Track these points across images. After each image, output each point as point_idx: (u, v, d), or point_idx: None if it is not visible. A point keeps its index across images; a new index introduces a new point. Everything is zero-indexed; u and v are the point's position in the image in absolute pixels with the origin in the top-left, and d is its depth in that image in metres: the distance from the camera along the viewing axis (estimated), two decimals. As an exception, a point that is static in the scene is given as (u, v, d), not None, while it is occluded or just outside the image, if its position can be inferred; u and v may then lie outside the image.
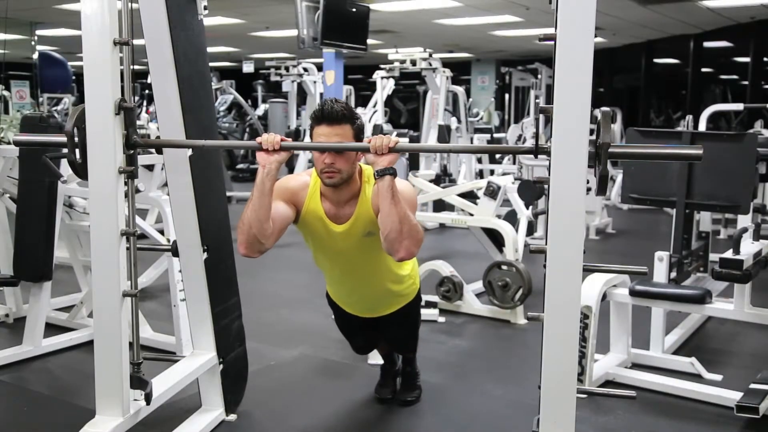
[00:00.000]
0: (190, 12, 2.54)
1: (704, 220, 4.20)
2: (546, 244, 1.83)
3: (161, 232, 3.89)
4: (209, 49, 2.71)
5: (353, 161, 2.39)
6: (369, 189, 2.45)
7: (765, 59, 13.08)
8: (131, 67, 2.19)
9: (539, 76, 10.86)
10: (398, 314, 2.84)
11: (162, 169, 4.10)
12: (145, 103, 11.44)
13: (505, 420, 2.95)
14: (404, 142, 4.51)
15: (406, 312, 2.86)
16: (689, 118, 4.23)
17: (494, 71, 16.96)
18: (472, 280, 4.59)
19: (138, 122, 2.60)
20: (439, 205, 5.98)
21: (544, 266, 1.84)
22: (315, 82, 8.88)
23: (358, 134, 2.37)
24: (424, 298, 3.20)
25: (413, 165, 7.11)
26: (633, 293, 3.28)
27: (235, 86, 13.66)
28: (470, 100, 13.43)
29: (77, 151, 2.14)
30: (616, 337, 3.45)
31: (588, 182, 2.12)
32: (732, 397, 2.91)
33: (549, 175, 1.79)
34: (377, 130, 7.66)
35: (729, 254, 2.99)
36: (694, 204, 3.54)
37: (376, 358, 3.47)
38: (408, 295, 2.83)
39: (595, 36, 1.74)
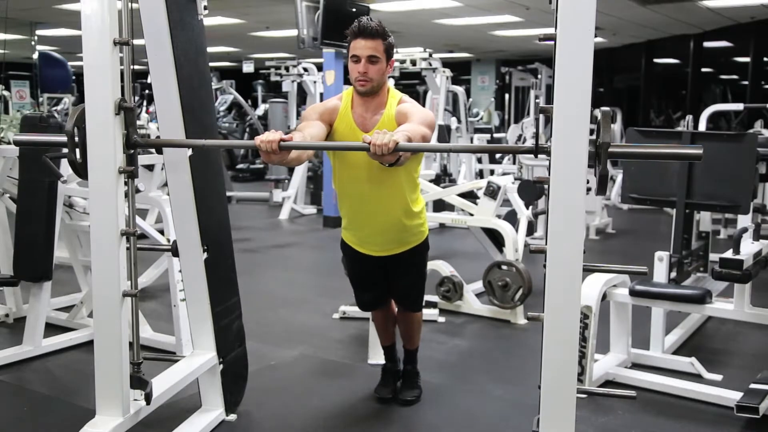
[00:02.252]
0: (190, 12, 2.54)
1: (704, 220, 4.20)
2: (546, 244, 1.83)
3: (161, 232, 3.89)
4: (209, 49, 2.71)
5: (383, 73, 2.63)
6: (393, 104, 2.69)
7: (765, 59, 13.08)
8: (131, 67, 2.19)
9: (539, 76, 10.87)
10: (407, 257, 2.88)
11: (162, 169, 4.10)
12: (145, 103, 11.44)
13: (505, 420, 2.95)
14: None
15: (414, 256, 2.90)
16: (689, 118, 4.23)
17: (494, 71, 16.96)
18: (472, 280, 4.59)
19: (138, 122, 2.60)
20: (439, 205, 5.98)
21: (544, 266, 1.84)
22: (315, 82, 8.88)
23: (389, 49, 2.63)
24: (424, 298, 3.20)
25: (413, 165, 7.09)
26: (633, 293, 3.28)
27: (235, 86, 13.67)
28: (470, 100, 13.45)
29: (77, 151, 2.15)
30: (616, 337, 3.45)
31: (588, 182, 2.12)
32: (732, 397, 2.91)
33: (549, 175, 1.79)
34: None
35: (729, 254, 2.99)
36: (694, 204, 3.54)
37: (376, 358, 3.47)
38: (418, 235, 2.88)
39: (595, 36, 1.74)
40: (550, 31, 1.78)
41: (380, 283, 2.98)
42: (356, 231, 2.89)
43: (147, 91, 11.21)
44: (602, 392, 2.52)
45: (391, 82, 7.84)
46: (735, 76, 16.69)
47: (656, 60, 14.98)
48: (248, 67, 11.53)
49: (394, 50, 2.70)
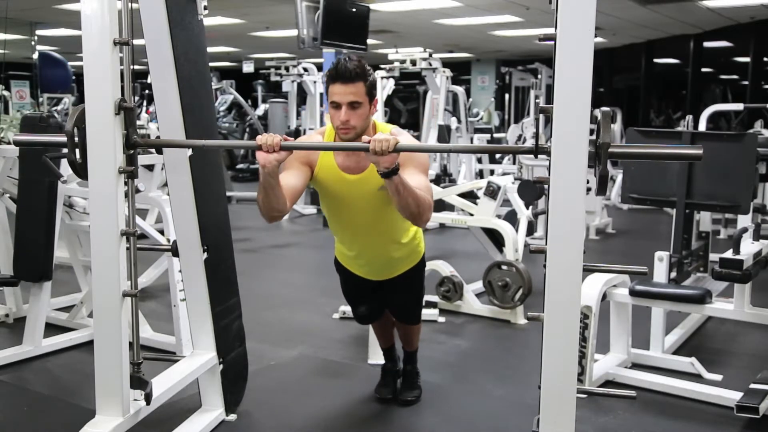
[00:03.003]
0: (190, 12, 2.54)
1: (704, 220, 4.19)
2: (546, 244, 1.83)
3: (161, 232, 3.89)
4: (209, 49, 2.71)
5: (366, 117, 2.47)
6: None
7: (765, 59, 13.08)
8: (131, 67, 2.19)
9: (539, 76, 10.86)
10: (403, 278, 2.85)
11: (162, 169, 4.10)
12: (145, 103, 11.44)
13: (505, 420, 2.95)
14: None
15: (410, 277, 2.87)
16: (689, 118, 4.23)
17: (494, 71, 16.96)
18: (472, 280, 4.59)
19: (138, 122, 2.60)
20: (439, 205, 5.97)
21: (544, 266, 1.84)
22: (315, 82, 8.87)
23: (371, 90, 2.47)
24: (425, 298, 3.20)
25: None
26: (633, 293, 3.28)
27: (235, 86, 13.67)
28: (470, 100, 13.43)
29: (77, 151, 2.14)
30: (616, 337, 3.45)
31: (588, 182, 2.12)
32: (732, 397, 2.91)
33: (549, 175, 1.79)
34: (377, 130, 7.64)
35: (729, 254, 2.99)
36: (694, 204, 3.54)
37: (376, 358, 3.47)
38: (413, 258, 2.85)
39: (595, 36, 1.74)
40: (550, 31, 1.78)
41: (375, 299, 2.96)
42: (347, 257, 2.87)
43: (147, 91, 11.21)
44: (602, 392, 2.52)
45: (391, 83, 7.89)
46: (735, 76, 16.70)
47: (656, 60, 14.98)
48: (248, 67, 11.53)
49: (377, 88, 2.54)
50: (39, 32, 12.73)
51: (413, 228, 2.79)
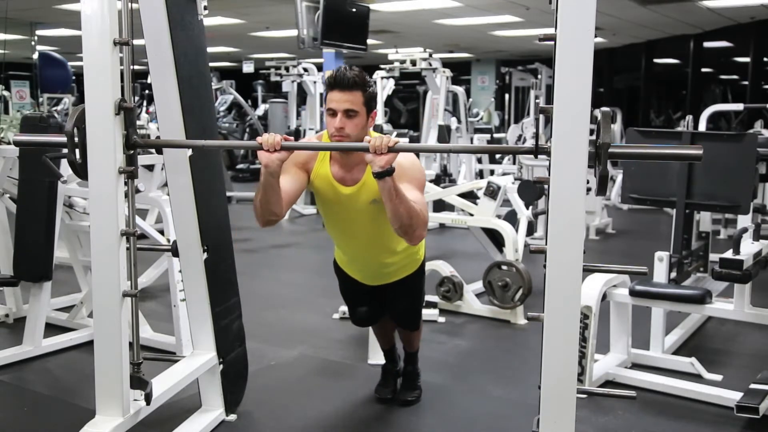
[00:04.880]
0: (190, 12, 2.54)
1: (704, 220, 4.19)
2: (546, 244, 1.83)
3: (161, 232, 3.89)
4: (209, 49, 2.71)
5: (363, 127, 2.44)
6: None
7: (765, 59, 13.08)
8: (131, 67, 2.19)
9: (539, 76, 10.86)
10: (401, 284, 2.84)
11: (162, 169, 4.10)
12: (145, 103, 11.44)
13: (505, 420, 2.95)
14: (404, 142, 4.50)
15: (409, 282, 2.86)
16: (689, 118, 4.23)
17: (494, 71, 16.96)
18: (472, 280, 4.59)
19: (138, 122, 2.60)
20: (439, 205, 5.98)
21: (544, 266, 1.84)
22: (315, 82, 8.87)
23: (369, 101, 2.44)
24: (425, 298, 3.20)
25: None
26: (633, 293, 3.28)
27: (235, 86, 13.67)
28: (470, 100, 13.42)
29: (77, 151, 2.14)
30: (616, 337, 3.45)
31: (588, 182, 2.12)
32: (732, 397, 2.91)
33: (549, 175, 1.79)
34: (377, 130, 7.66)
35: (729, 254, 2.99)
36: (694, 204, 3.54)
37: (376, 358, 3.47)
38: (412, 266, 2.84)
39: (595, 36, 1.74)
40: (550, 31, 1.78)
41: (374, 303, 2.96)
42: (344, 260, 2.87)
43: (147, 91, 11.21)
44: (602, 392, 2.52)
45: (390, 83, 7.90)
46: (735, 76, 16.71)
47: (656, 60, 14.99)
48: (248, 67, 11.53)
49: (376, 101, 2.52)
50: (39, 32, 12.73)
51: None
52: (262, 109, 13.60)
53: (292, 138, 2.28)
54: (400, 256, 2.76)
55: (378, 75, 7.72)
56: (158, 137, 2.74)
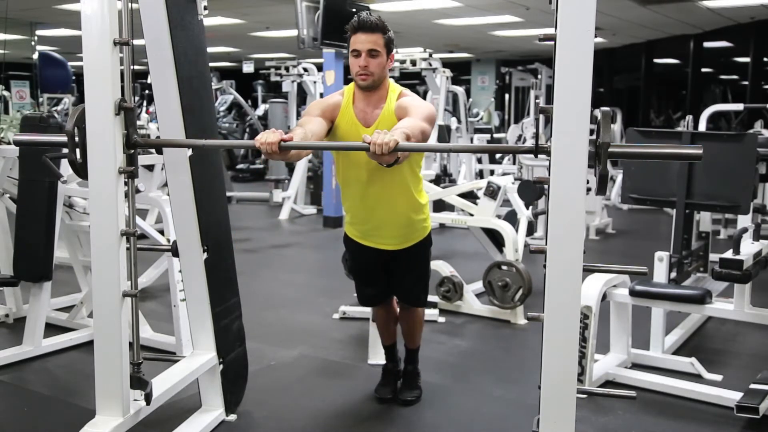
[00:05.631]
0: (190, 12, 2.54)
1: (704, 220, 4.19)
2: (546, 244, 1.83)
3: (161, 232, 3.89)
4: (209, 49, 2.71)
5: (384, 66, 2.64)
6: (393, 98, 2.69)
7: (765, 59, 13.08)
8: (131, 67, 2.19)
9: (539, 76, 10.86)
10: (411, 253, 2.88)
11: (162, 169, 4.10)
12: (145, 103, 11.44)
13: (505, 420, 2.95)
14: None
15: (417, 252, 2.91)
16: (689, 118, 4.23)
17: (494, 71, 16.96)
18: (472, 280, 4.59)
19: (138, 122, 2.60)
20: (439, 205, 5.98)
21: (544, 266, 1.84)
22: (315, 82, 8.88)
23: (389, 43, 2.65)
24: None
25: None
26: (633, 293, 3.28)
27: (235, 86, 13.66)
28: (470, 100, 13.44)
29: (77, 151, 2.15)
30: (616, 337, 3.45)
31: (588, 182, 2.12)
32: (732, 397, 2.91)
33: (549, 175, 1.79)
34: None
35: (729, 254, 2.99)
36: (694, 204, 3.54)
37: (376, 358, 3.47)
38: (422, 231, 2.88)
39: (595, 36, 1.74)
40: (550, 31, 1.78)
41: (383, 278, 2.97)
42: (360, 225, 2.88)
43: (147, 91, 11.21)
44: (602, 392, 2.52)
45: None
46: (735, 76, 16.71)
47: (656, 60, 14.99)
48: (248, 67, 11.53)
49: (394, 44, 2.71)
50: (39, 32, 12.73)
51: (424, 194, 2.89)
52: (262, 109, 13.58)
53: (291, 137, 2.27)
54: (419, 214, 2.82)
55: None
56: (158, 137, 2.74)
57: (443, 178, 7.91)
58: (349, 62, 2.66)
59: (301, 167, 8.73)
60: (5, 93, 9.22)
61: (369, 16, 2.62)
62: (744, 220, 4.26)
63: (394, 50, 2.74)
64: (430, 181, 5.58)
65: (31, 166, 3.43)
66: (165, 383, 2.51)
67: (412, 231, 2.86)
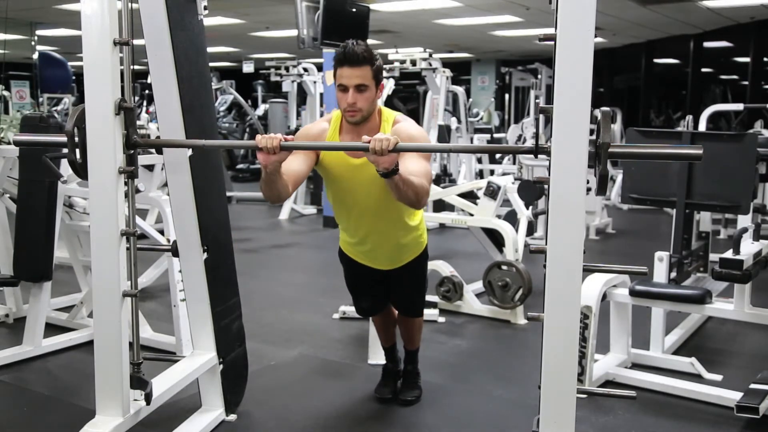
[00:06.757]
0: (190, 12, 2.54)
1: (704, 220, 4.19)
2: (546, 244, 1.83)
3: (161, 232, 3.89)
4: (209, 49, 2.71)
5: (373, 100, 2.51)
6: (387, 128, 2.58)
7: (765, 59, 13.07)
8: (131, 67, 2.19)
9: (539, 76, 10.86)
10: (406, 270, 2.86)
11: (162, 169, 4.10)
12: (145, 103, 11.44)
13: (505, 420, 2.95)
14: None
15: (414, 267, 2.88)
16: (689, 118, 4.23)
17: (494, 71, 16.96)
18: (472, 280, 4.59)
19: (138, 122, 2.60)
20: (439, 205, 5.98)
21: (544, 266, 1.84)
22: (315, 82, 8.87)
23: (378, 74, 2.51)
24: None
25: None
26: (633, 293, 3.28)
27: (235, 86, 13.67)
28: (470, 100, 13.43)
29: (77, 151, 2.15)
30: (616, 337, 3.45)
31: (588, 182, 2.12)
32: (732, 397, 2.91)
33: (549, 175, 1.79)
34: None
35: (729, 254, 2.99)
36: (694, 204, 3.54)
37: (376, 358, 3.47)
38: (417, 249, 2.85)
39: (595, 36, 1.74)
40: (550, 31, 1.78)
41: (379, 291, 2.96)
42: (352, 247, 2.87)
43: (147, 91, 11.21)
44: (602, 392, 2.52)
45: (391, 83, 7.89)
46: (735, 76, 16.70)
47: (656, 60, 14.99)
48: (248, 67, 11.52)
49: (383, 73, 2.58)
50: (39, 32, 12.73)
51: (417, 219, 2.82)
52: (262, 109, 13.59)
53: (292, 137, 2.28)
54: (411, 233, 2.78)
55: (378, 75, 7.71)
56: (158, 137, 2.74)
57: (443, 178, 7.91)
58: (336, 96, 2.52)
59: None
60: (5, 93, 9.21)
61: (355, 46, 2.44)
62: (744, 220, 4.26)
63: (384, 79, 2.66)
64: (430, 181, 5.58)
65: (31, 166, 3.43)
66: (165, 383, 2.51)
67: (406, 251, 2.83)
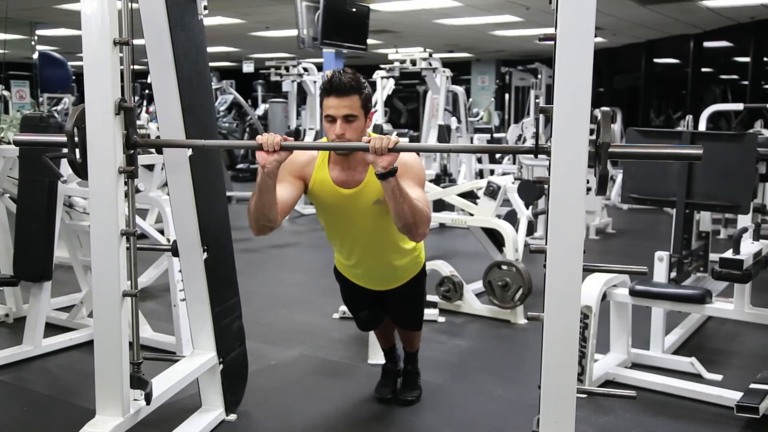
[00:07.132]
0: (190, 12, 2.54)
1: (704, 220, 4.19)
2: (546, 244, 1.83)
3: (161, 232, 3.89)
4: (209, 49, 2.71)
5: (361, 131, 2.43)
6: None
7: (765, 59, 13.08)
8: (131, 67, 2.19)
9: (539, 76, 10.86)
10: (404, 289, 2.84)
11: (162, 169, 4.10)
12: (145, 103, 11.44)
13: (505, 420, 2.95)
14: (404, 142, 4.51)
15: (411, 287, 2.86)
16: (689, 118, 4.22)
17: (494, 71, 16.96)
18: (472, 280, 4.59)
19: (138, 122, 2.60)
20: (439, 205, 5.98)
21: (544, 266, 1.84)
22: (315, 82, 8.87)
23: (366, 103, 2.44)
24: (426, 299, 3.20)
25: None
26: (633, 293, 3.28)
27: (235, 86, 13.67)
28: (470, 100, 13.43)
29: (77, 151, 2.14)
30: (616, 337, 3.45)
31: (588, 182, 2.12)
32: (732, 397, 2.91)
33: (549, 175, 1.79)
34: (377, 130, 7.66)
35: (729, 254, 2.99)
36: (694, 204, 3.54)
37: (376, 358, 3.47)
38: (413, 270, 2.83)
39: (595, 36, 1.74)
40: (550, 31, 1.78)
41: (377, 308, 2.96)
42: (347, 267, 2.86)
43: (147, 91, 11.21)
44: (602, 392, 2.52)
45: (391, 82, 7.90)
46: (735, 76, 16.71)
47: (656, 60, 14.99)
48: (248, 67, 11.54)
49: (372, 101, 2.51)
50: (39, 32, 12.73)
51: (412, 243, 2.74)
52: (262, 109, 13.60)
53: (292, 138, 2.28)
54: (406, 256, 2.75)
55: (378, 75, 7.73)
56: (158, 137, 2.74)
57: (443, 177, 7.91)
58: (323, 126, 2.45)
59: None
60: (5, 93, 9.22)
61: (342, 75, 2.37)
62: (744, 220, 4.26)
63: (373, 108, 2.61)
64: (430, 181, 5.58)
65: (31, 165, 3.43)
66: (165, 383, 2.51)
67: (402, 273, 2.81)
